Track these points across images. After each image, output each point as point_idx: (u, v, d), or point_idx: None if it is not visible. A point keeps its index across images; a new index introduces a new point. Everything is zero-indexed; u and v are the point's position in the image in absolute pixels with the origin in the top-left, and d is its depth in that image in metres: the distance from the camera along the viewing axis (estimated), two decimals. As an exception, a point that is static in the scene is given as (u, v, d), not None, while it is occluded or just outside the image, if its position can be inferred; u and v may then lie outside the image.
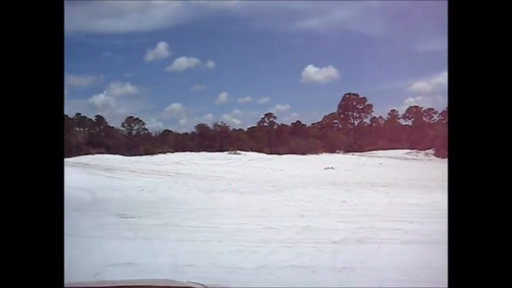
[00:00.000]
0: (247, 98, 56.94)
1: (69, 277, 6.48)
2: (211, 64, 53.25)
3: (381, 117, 53.33)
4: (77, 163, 27.78)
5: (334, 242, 8.83)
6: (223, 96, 55.86)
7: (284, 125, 51.86)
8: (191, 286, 2.07)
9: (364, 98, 51.18)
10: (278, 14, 59.10)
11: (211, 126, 46.05)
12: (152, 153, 32.24)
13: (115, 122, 54.89)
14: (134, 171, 24.34)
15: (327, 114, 53.15)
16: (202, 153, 32.41)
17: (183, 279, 3.97)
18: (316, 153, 35.96)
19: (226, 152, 33.18)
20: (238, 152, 33.43)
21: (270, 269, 6.89)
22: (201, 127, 46.03)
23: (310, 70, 51.43)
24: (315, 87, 55.44)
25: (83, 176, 23.41)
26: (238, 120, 61.32)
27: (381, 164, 30.10)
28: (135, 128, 49.87)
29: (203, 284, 2.03)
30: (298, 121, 52.55)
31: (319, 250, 8.16)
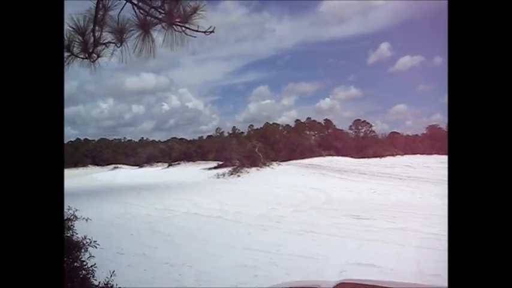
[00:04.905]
0: (483, 96, 50.98)
1: (317, 271, 6.89)
2: (438, 60, 49.72)
3: None
4: (310, 164, 29.60)
5: None
6: (453, 94, 51.27)
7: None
8: None
9: None
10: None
11: (443, 127, 42.83)
12: (381, 156, 31.83)
13: (342, 124, 56.51)
14: (364, 173, 24.50)
15: None
16: (435, 155, 30.38)
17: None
18: None
19: (462, 155, 30.34)
20: (476, 155, 30.18)
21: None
22: (432, 128, 43.26)
23: None
24: None
25: (316, 176, 24.81)
26: (473, 120, 55.59)
27: None
28: (362, 130, 50.23)
29: None
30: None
31: None
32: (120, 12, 2.88)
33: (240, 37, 75.71)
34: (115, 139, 69.34)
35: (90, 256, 4.04)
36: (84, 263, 3.98)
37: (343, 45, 72.42)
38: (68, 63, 2.78)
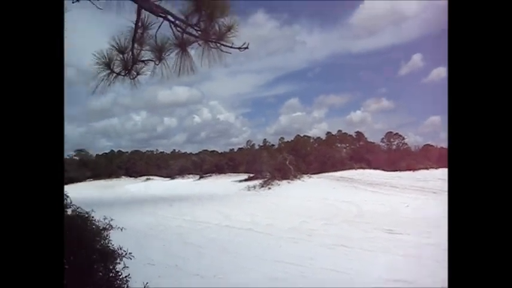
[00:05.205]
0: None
1: (350, 286, 6.78)
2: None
3: None
4: (341, 177, 29.30)
5: None
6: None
7: None
8: None
9: None
10: None
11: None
12: (414, 169, 31.17)
13: (373, 137, 55.81)
14: (396, 187, 24.06)
15: None
16: (471, 169, 29.57)
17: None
18: None
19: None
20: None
21: None
22: (468, 141, 42.14)
23: None
24: None
25: (347, 189, 24.54)
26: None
27: None
28: (395, 142, 49.43)
29: None
30: None
31: None
32: (157, 31, 3.00)
33: (271, 50, 76.11)
34: (148, 151, 70.55)
35: (125, 267, 4.14)
36: (119, 273, 4.09)
37: (374, 56, 71.94)
38: (110, 82, 2.93)
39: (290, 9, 70.95)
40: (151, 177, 54.18)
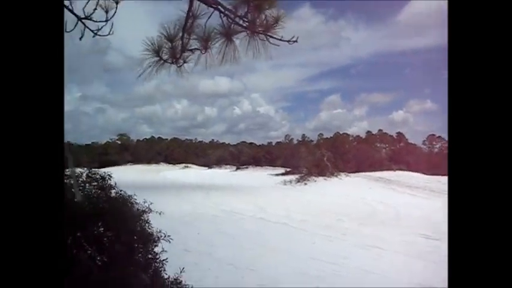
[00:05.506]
0: None
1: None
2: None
3: None
4: (379, 178, 28.79)
5: None
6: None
7: None
8: None
9: None
10: None
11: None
12: (456, 174, 30.22)
13: (414, 138, 54.41)
14: (436, 191, 23.42)
15: None
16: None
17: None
18: None
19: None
20: None
21: None
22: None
23: None
24: None
25: (385, 191, 24.10)
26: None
27: None
28: (437, 146, 48.14)
29: None
30: None
31: None
32: (207, 21, 3.04)
33: (315, 45, 75.50)
34: (187, 139, 71.77)
35: (163, 250, 4.24)
36: (157, 256, 4.19)
37: (421, 56, 69.96)
38: (157, 68, 3.00)
39: (336, 4, 69.99)
40: (189, 165, 55.09)
